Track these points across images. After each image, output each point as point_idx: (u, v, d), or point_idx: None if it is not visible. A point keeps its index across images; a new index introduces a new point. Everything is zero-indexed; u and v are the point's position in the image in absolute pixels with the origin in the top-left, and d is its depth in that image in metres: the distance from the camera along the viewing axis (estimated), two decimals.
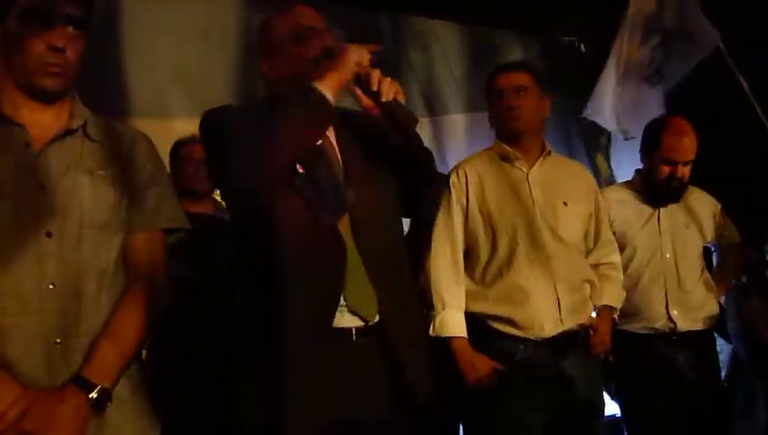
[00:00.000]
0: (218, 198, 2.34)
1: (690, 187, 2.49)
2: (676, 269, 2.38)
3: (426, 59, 3.51)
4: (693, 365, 2.35)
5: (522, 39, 3.88)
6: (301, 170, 1.46)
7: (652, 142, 2.40)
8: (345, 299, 1.45)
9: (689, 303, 2.36)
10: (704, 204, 2.52)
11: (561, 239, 2.03)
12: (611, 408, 2.46)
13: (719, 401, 2.45)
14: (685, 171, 2.38)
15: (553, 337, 1.97)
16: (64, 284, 1.25)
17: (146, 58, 2.37)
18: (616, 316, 2.18)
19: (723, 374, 2.66)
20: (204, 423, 1.73)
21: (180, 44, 2.46)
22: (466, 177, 2.09)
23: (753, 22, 2.99)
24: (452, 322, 1.99)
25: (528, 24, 3.89)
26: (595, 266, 2.16)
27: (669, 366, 2.34)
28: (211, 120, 1.52)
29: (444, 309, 2.00)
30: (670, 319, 2.34)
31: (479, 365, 1.96)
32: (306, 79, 1.48)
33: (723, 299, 2.59)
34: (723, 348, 2.71)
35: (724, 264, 2.63)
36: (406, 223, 2.52)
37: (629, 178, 2.58)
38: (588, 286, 2.09)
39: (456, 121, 3.62)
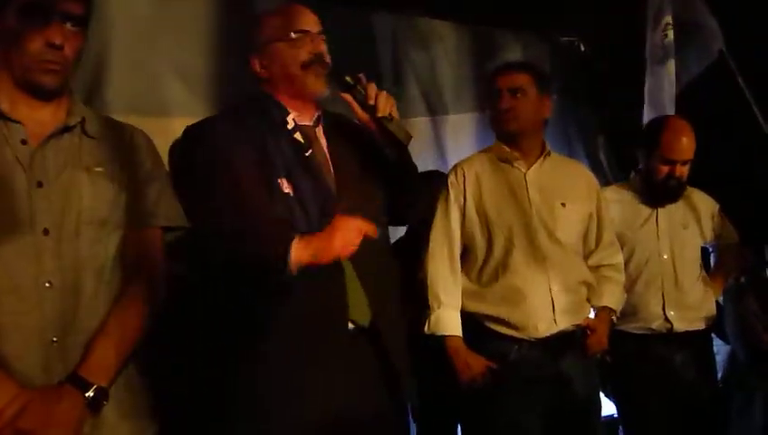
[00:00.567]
0: None
1: (689, 187, 2.49)
2: (674, 270, 2.38)
3: (426, 59, 3.50)
4: (690, 366, 2.36)
5: (521, 39, 3.87)
6: (287, 190, 1.46)
7: (651, 142, 2.40)
8: None
9: (686, 303, 2.37)
10: (702, 204, 2.52)
11: (557, 240, 2.03)
12: (608, 408, 2.46)
13: (716, 401, 2.46)
14: (683, 171, 2.38)
15: (548, 338, 1.97)
16: (62, 281, 1.25)
17: (145, 55, 2.36)
18: (615, 318, 2.18)
19: (719, 375, 2.67)
20: (200, 422, 1.73)
21: (180, 42, 2.45)
22: (465, 176, 2.09)
23: (753, 25, 2.99)
24: (447, 320, 2.00)
25: (527, 24, 3.89)
26: (597, 268, 2.16)
27: (666, 367, 2.34)
28: (191, 150, 1.53)
29: (439, 308, 2.00)
30: (667, 319, 2.34)
31: (473, 364, 1.96)
32: (295, 83, 1.49)
33: (721, 299, 2.60)
34: (719, 349, 2.72)
35: (721, 264, 2.63)
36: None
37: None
38: (585, 288, 2.09)
39: (458, 121, 3.62)
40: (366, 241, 1.47)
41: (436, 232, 2.07)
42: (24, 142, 1.28)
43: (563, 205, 2.08)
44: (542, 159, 2.12)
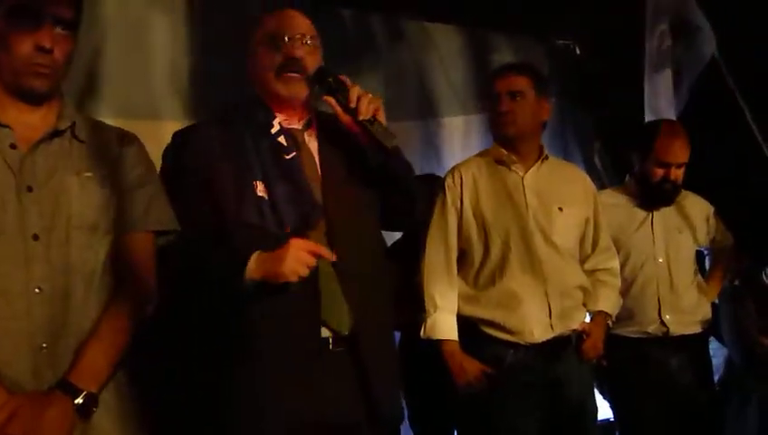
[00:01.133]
0: None
1: (683, 191, 2.49)
2: (669, 273, 2.38)
3: (423, 62, 3.51)
4: (686, 369, 2.36)
5: (517, 42, 3.88)
6: (261, 193, 1.45)
7: (645, 145, 2.40)
8: (321, 314, 1.44)
9: (682, 307, 2.37)
10: (697, 208, 2.52)
11: (553, 245, 2.03)
12: (605, 412, 2.45)
13: (712, 405, 2.45)
14: (678, 174, 2.38)
15: (544, 342, 1.96)
16: (52, 287, 1.24)
17: (137, 60, 2.36)
18: (610, 322, 2.18)
19: (716, 378, 2.66)
20: (192, 428, 1.72)
21: (172, 46, 2.45)
22: (462, 179, 2.08)
23: (745, 29, 3.00)
24: (443, 325, 1.99)
25: (523, 27, 3.89)
26: (592, 272, 2.16)
27: (662, 370, 2.34)
28: (175, 155, 1.52)
29: (435, 312, 2.00)
30: (663, 323, 2.34)
31: (469, 368, 1.96)
32: (268, 87, 1.49)
33: (717, 301, 2.60)
34: (716, 352, 2.71)
35: (716, 267, 2.64)
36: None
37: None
38: (581, 292, 2.09)
39: (454, 124, 3.62)
40: (355, 244, 1.46)
41: (433, 235, 2.06)
42: (13, 147, 1.27)
43: (560, 209, 2.07)
44: (539, 162, 2.11)
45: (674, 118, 3.08)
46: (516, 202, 2.05)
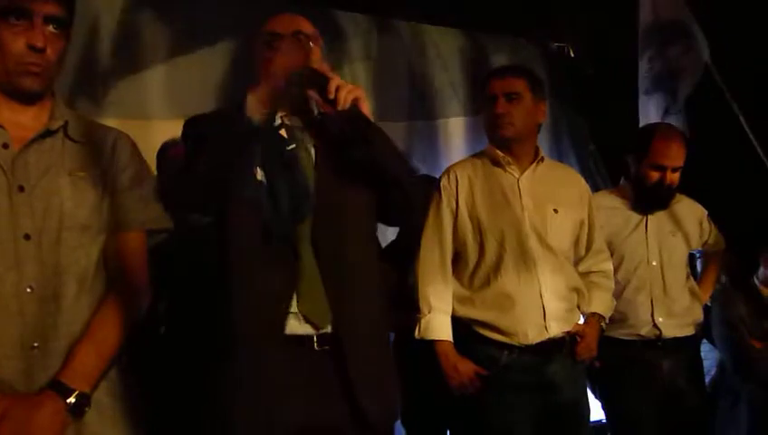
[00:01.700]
0: None
1: (677, 194, 2.50)
2: (662, 277, 2.38)
3: (419, 63, 3.52)
4: (678, 371, 2.36)
5: (512, 45, 3.90)
6: (260, 178, 1.46)
7: (641, 148, 2.40)
8: (299, 307, 1.44)
9: (674, 310, 2.37)
10: (690, 211, 2.52)
11: (548, 246, 2.03)
12: (597, 413, 2.46)
13: (704, 406, 2.46)
14: (674, 178, 2.39)
15: (538, 344, 1.97)
16: (43, 287, 1.23)
17: (130, 59, 2.36)
18: (604, 324, 2.18)
19: (707, 380, 2.67)
20: (185, 427, 1.72)
21: (165, 46, 2.45)
22: (457, 180, 2.08)
23: (738, 37, 3.03)
24: (437, 325, 1.99)
25: (518, 30, 3.91)
26: (587, 274, 2.16)
27: (654, 372, 2.34)
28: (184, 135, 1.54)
29: (429, 312, 1.99)
30: (655, 326, 2.34)
31: (463, 369, 1.96)
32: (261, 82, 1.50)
33: (709, 303, 2.61)
34: (707, 354, 2.73)
35: (708, 270, 2.65)
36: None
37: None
38: (575, 294, 2.09)
39: (449, 125, 3.64)
40: (340, 241, 1.47)
41: (428, 236, 2.06)
42: (5, 146, 1.26)
43: (556, 211, 2.07)
44: (535, 164, 2.11)
45: None
46: (512, 203, 2.05)
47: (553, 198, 2.08)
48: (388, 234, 2.50)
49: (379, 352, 1.55)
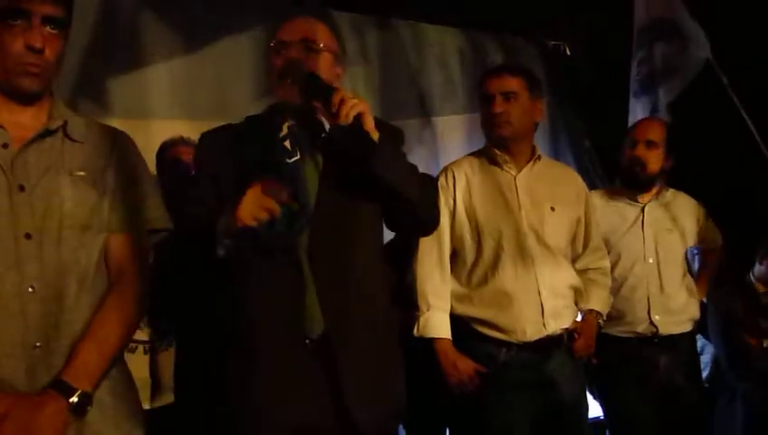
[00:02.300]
0: None
1: (674, 191, 2.51)
2: (659, 274, 2.39)
3: (417, 62, 3.53)
4: (675, 368, 2.37)
5: (509, 43, 3.90)
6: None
7: (625, 136, 2.49)
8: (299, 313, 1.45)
9: (671, 307, 2.38)
10: (687, 208, 2.54)
11: (546, 244, 2.04)
12: (595, 410, 2.47)
13: (701, 402, 2.47)
14: (649, 156, 2.40)
15: (536, 341, 1.97)
16: (45, 286, 1.24)
17: (131, 58, 2.37)
18: (601, 321, 2.19)
19: (704, 376, 2.69)
20: (186, 426, 1.72)
21: (166, 45, 2.45)
22: (455, 179, 2.08)
23: (741, 32, 3.04)
24: (436, 323, 1.99)
25: (515, 29, 3.91)
26: (584, 272, 2.17)
27: (651, 369, 2.35)
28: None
29: (428, 310, 2.00)
30: (652, 323, 2.36)
31: (462, 367, 1.96)
32: (276, 91, 1.52)
33: (705, 300, 2.62)
34: (703, 350, 2.74)
35: (705, 267, 2.66)
36: None
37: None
38: (573, 292, 2.10)
39: (447, 123, 3.65)
40: (337, 252, 1.48)
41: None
42: (5, 146, 1.26)
43: (553, 209, 2.07)
44: (532, 162, 2.11)
45: None
46: (509, 202, 2.06)
47: (550, 196, 2.09)
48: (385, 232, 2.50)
49: (380, 357, 1.55)
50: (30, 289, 1.22)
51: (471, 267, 2.04)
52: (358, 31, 3.31)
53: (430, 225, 1.76)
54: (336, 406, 1.45)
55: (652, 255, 2.41)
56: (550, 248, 2.04)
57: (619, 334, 2.37)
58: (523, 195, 2.07)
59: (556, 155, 3.77)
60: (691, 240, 2.53)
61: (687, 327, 2.42)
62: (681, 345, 2.40)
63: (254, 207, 1.35)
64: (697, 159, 2.47)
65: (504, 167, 2.09)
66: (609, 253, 2.32)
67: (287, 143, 1.52)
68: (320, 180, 1.53)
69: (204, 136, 1.62)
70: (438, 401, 2.21)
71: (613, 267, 2.34)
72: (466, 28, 3.78)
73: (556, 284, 2.03)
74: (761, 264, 2.73)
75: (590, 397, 2.26)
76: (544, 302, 1.99)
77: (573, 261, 2.17)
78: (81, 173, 1.32)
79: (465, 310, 2.02)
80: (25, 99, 1.30)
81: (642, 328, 2.36)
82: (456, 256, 2.08)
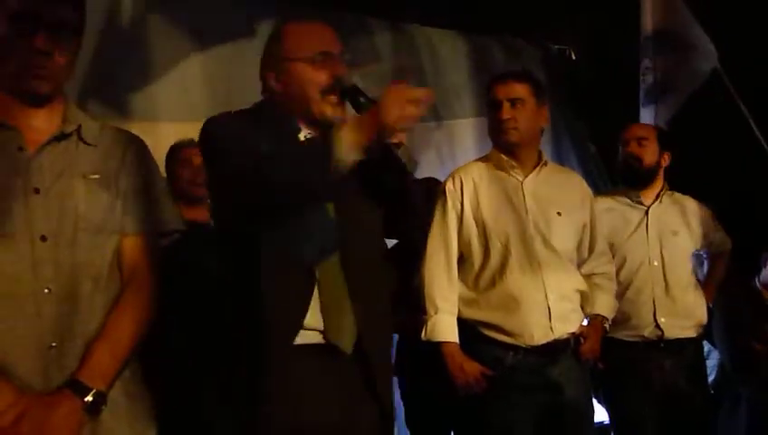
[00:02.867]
0: None
1: (680, 194, 2.52)
2: (664, 277, 2.40)
3: (421, 65, 3.55)
4: (680, 372, 2.37)
5: (513, 47, 3.92)
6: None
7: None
8: (327, 331, 1.43)
9: (677, 310, 2.39)
10: (694, 211, 2.54)
11: (553, 249, 2.05)
12: (601, 414, 2.48)
13: (706, 407, 2.48)
14: (641, 151, 2.45)
15: (543, 345, 1.98)
16: (60, 287, 1.25)
17: (141, 61, 2.38)
18: (607, 326, 2.20)
19: (710, 380, 2.69)
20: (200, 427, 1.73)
21: (177, 48, 2.47)
22: (462, 184, 2.10)
23: (748, 41, 3.05)
24: (443, 327, 2.00)
25: (519, 33, 3.93)
26: (589, 276, 2.17)
27: (657, 373, 2.36)
28: (211, 131, 1.48)
29: (436, 314, 2.01)
30: (658, 327, 2.36)
31: (469, 370, 1.97)
32: (312, 107, 1.47)
33: (711, 305, 2.62)
34: (709, 354, 2.74)
35: (713, 271, 2.66)
36: None
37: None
38: (579, 296, 2.11)
39: (454, 127, 3.67)
40: (364, 262, 1.47)
41: (433, 239, 2.08)
42: (20, 149, 1.28)
43: (559, 214, 2.08)
44: (538, 168, 2.13)
45: None
46: (516, 207, 2.07)
47: (557, 201, 2.10)
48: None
49: (387, 359, 1.61)
50: (46, 290, 1.23)
51: (478, 271, 2.05)
52: (364, 33, 3.33)
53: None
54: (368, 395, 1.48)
55: (657, 257, 2.41)
56: (557, 252, 2.05)
57: (624, 338, 2.37)
58: (529, 200, 2.08)
59: (559, 158, 3.79)
60: (698, 243, 2.53)
61: (693, 332, 2.42)
62: (687, 350, 2.41)
63: (398, 107, 1.26)
64: (703, 165, 2.48)
65: (511, 172, 2.11)
66: (613, 256, 2.33)
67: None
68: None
69: (219, 114, 1.51)
70: (443, 403, 2.22)
71: (618, 270, 2.35)
72: (471, 32, 3.79)
73: (563, 287, 2.04)
74: (766, 269, 2.73)
75: (595, 402, 2.27)
76: (552, 305, 2.00)
77: (579, 266, 2.17)
78: (95, 176, 1.33)
79: (473, 314, 2.03)
80: (36, 101, 1.31)
81: (648, 332, 2.36)
82: (463, 260, 2.09)
